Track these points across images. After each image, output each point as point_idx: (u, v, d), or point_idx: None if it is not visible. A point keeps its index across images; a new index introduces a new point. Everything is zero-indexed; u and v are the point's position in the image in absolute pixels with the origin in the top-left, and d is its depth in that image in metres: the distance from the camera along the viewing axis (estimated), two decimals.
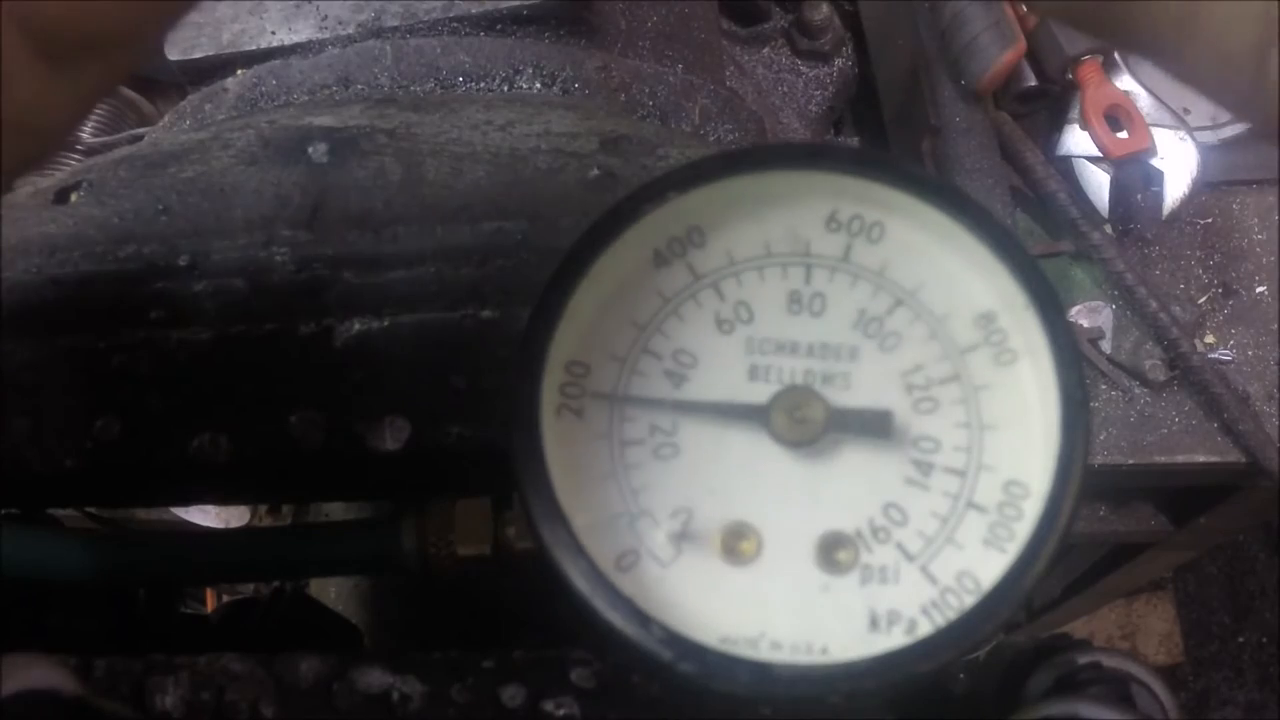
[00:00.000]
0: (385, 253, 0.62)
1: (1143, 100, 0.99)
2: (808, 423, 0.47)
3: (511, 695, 0.53)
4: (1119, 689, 0.53)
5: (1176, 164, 0.98)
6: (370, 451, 0.59)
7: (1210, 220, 1.01)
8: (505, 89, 0.76)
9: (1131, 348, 0.96)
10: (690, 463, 0.47)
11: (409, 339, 0.60)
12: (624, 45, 0.83)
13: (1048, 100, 1.02)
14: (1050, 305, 0.46)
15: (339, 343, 0.60)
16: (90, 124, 1.07)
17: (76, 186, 0.68)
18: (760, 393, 0.47)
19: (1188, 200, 0.98)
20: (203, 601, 1.57)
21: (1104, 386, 0.95)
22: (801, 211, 0.48)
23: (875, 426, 0.47)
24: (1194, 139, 0.99)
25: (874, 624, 0.45)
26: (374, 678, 0.53)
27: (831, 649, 0.45)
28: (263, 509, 1.43)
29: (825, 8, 1.07)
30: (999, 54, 0.96)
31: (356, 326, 0.60)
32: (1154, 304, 0.94)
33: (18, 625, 0.63)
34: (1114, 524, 1.08)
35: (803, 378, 0.47)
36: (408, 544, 0.58)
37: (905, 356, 0.48)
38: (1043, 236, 1.01)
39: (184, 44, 0.81)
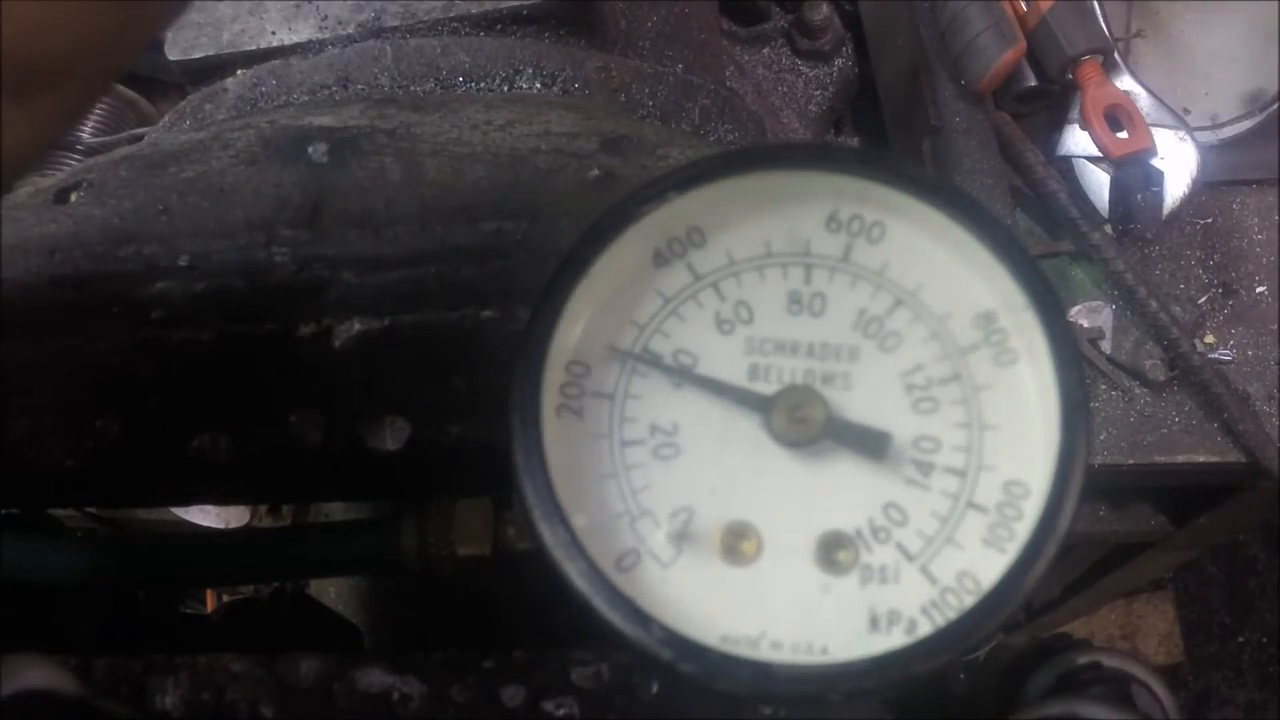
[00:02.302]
0: (385, 253, 0.62)
1: (1143, 100, 0.99)
2: (807, 422, 0.47)
3: (511, 695, 0.53)
4: (1119, 689, 0.53)
5: (1176, 164, 0.98)
6: (370, 451, 0.59)
7: (1210, 220, 1.01)
8: (505, 89, 0.76)
9: (1131, 348, 0.96)
10: (690, 463, 0.47)
11: (409, 339, 0.60)
12: (624, 45, 0.83)
13: (1048, 100, 1.02)
14: (1050, 305, 0.46)
15: (339, 343, 0.60)
16: (90, 124, 1.07)
17: (76, 186, 0.68)
18: (760, 392, 0.47)
19: (1188, 200, 0.98)
20: (203, 601, 1.57)
21: (1104, 386, 0.95)
22: (801, 211, 0.48)
23: (872, 446, 0.47)
24: (1194, 139, 0.99)
25: (874, 624, 0.45)
26: (374, 678, 0.53)
27: (831, 649, 0.45)
28: (263, 509, 1.43)
29: (825, 8, 1.07)
30: (999, 54, 0.96)
31: (356, 326, 0.60)
32: (1154, 304, 0.94)
33: (18, 625, 0.63)
34: (1114, 524, 1.08)
35: (803, 378, 0.47)
36: (408, 544, 0.58)
37: (905, 356, 0.48)
38: (1043, 236, 1.01)
39: (184, 44, 0.81)
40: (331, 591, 0.96)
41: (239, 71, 0.80)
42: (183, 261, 0.62)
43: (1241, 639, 1.88)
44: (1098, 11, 0.99)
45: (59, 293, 0.62)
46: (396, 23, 0.79)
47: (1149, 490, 1.07)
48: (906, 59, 1.01)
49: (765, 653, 0.44)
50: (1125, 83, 1.00)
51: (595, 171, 0.66)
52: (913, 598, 0.45)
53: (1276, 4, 1.01)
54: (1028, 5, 0.98)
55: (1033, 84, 1.00)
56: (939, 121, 0.98)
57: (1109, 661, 0.55)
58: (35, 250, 0.63)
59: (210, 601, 1.55)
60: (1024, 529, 0.45)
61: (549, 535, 0.44)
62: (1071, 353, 0.45)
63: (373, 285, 0.61)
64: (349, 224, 0.63)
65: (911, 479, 0.47)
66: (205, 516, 1.45)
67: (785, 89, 1.07)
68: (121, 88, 1.09)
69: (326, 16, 0.79)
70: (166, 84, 1.08)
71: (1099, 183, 1.00)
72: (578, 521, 0.44)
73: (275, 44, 0.80)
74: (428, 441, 0.59)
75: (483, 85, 0.76)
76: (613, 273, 0.47)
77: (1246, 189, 1.02)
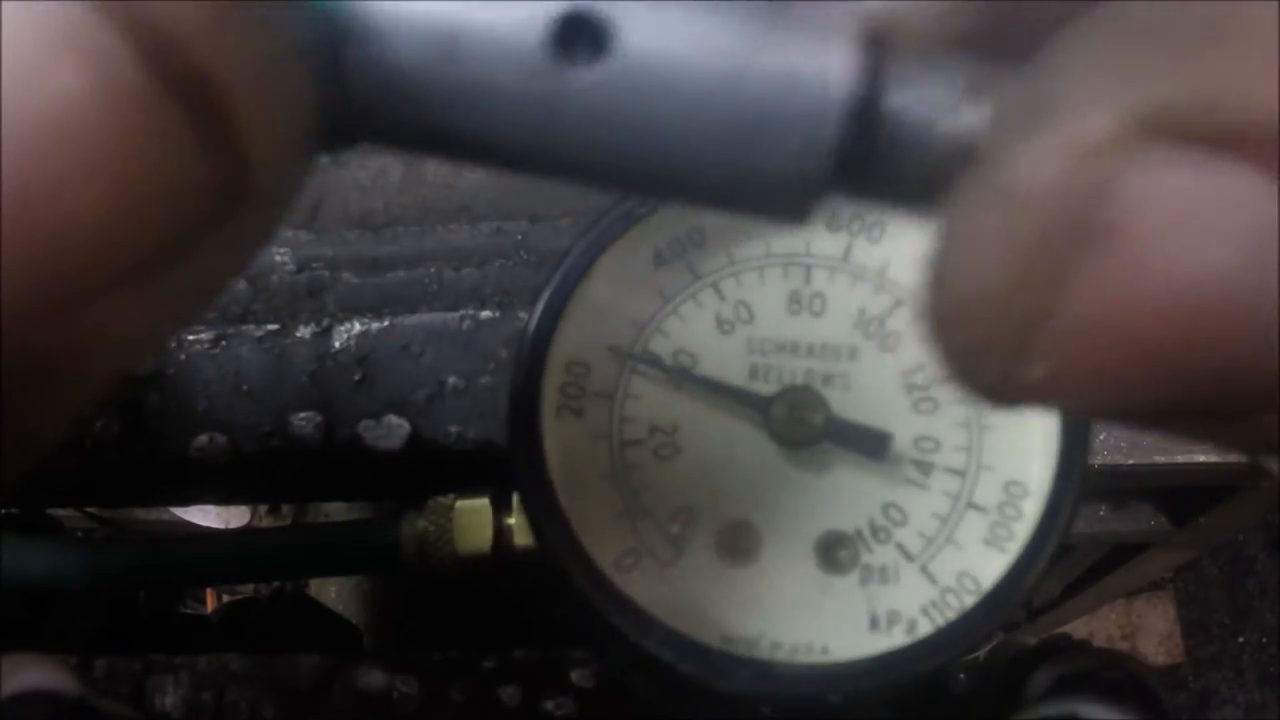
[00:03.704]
0: (385, 253, 0.62)
1: None
2: (807, 423, 0.47)
3: (511, 695, 0.53)
4: (1119, 689, 0.53)
5: None
6: (370, 451, 0.59)
7: None
8: None
9: None
10: (690, 463, 0.47)
11: (409, 339, 0.60)
12: None
13: None
14: None
15: (339, 343, 0.60)
16: None
17: None
18: (760, 393, 0.47)
19: None
20: (203, 601, 1.57)
21: None
22: None
23: (872, 446, 0.47)
24: None
25: (874, 624, 0.45)
26: (374, 678, 0.53)
27: (831, 649, 0.45)
28: (263, 509, 1.43)
29: None
30: None
31: (356, 326, 0.61)
32: None
33: (18, 625, 0.63)
34: (1114, 524, 1.07)
35: (803, 378, 0.47)
36: (408, 544, 0.58)
37: (905, 356, 0.48)
38: None
39: None
40: (331, 591, 0.96)
41: None
42: None
43: (1241, 639, 1.88)
44: None
45: None
46: None
47: (1149, 490, 1.06)
48: None
49: (765, 653, 0.44)
50: None
51: None
52: (913, 598, 0.45)
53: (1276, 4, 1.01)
54: None
55: None
56: None
57: (1109, 661, 0.55)
58: None
59: (210, 601, 1.55)
60: (1024, 529, 0.45)
61: (549, 535, 0.44)
62: None
63: (372, 285, 0.62)
64: (348, 224, 0.63)
65: (911, 479, 0.47)
66: (205, 516, 1.45)
67: None
68: None
69: None
70: None
71: None
72: (578, 521, 0.44)
73: None
74: (427, 441, 0.59)
75: None
76: (613, 273, 0.47)
77: None
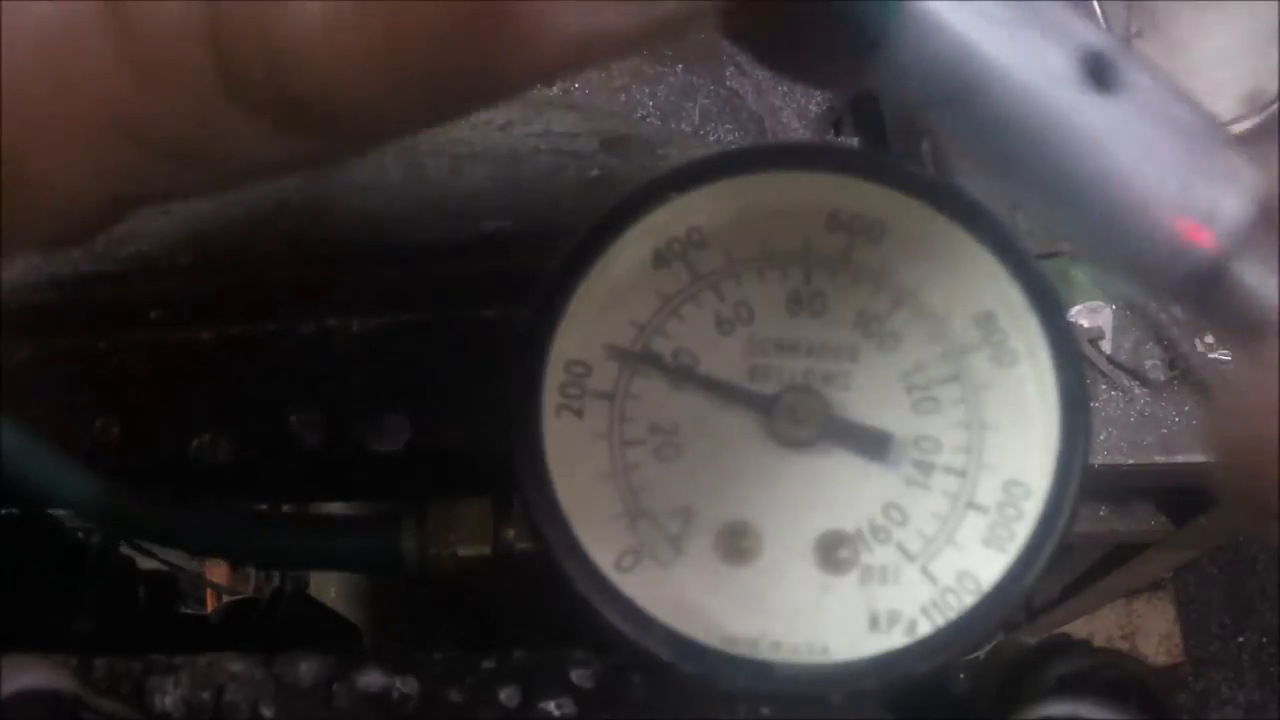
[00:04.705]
0: (385, 252, 0.62)
1: None
2: (808, 422, 0.47)
3: (511, 695, 0.53)
4: (1119, 689, 0.53)
5: None
6: (370, 451, 0.59)
7: None
8: None
9: (1131, 348, 0.96)
10: (690, 463, 0.47)
11: (409, 339, 0.60)
12: None
13: None
14: (1050, 305, 0.46)
15: (339, 343, 0.60)
16: None
17: None
18: (761, 392, 0.47)
19: None
20: (203, 602, 1.58)
21: (1104, 386, 0.95)
22: (801, 211, 0.48)
23: (872, 446, 0.47)
24: None
25: (874, 624, 0.45)
26: (374, 678, 0.53)
27: (831, 649, 0.45)
28: (263, 509, 1.43)
29: None
30: None
31: (356, 326, 0.60)
32: (1154, 304, 0.94)
33: (18, 625, 0.63)
34: (1114, 524, 1.07)
35: (803, 378, 0.47)
36: (408, 544, 0.58)
37: (905, 356, 0.48)
38: (1043, 236, 1.01)
39: None
40: (331, 591, 0.97)
41: None
42: (183, 261, 0.62)
43: (1241, 639, 1.88)
44: (1097, 11, 0.98)
45: (59, 293, 0.62)
46: None
47: (1149, 490, 1.06)
48: None
49: (765, 653, 0.44)
50: None
51: (595, 171, 0.66)
52: (913, 598, 0.45)
53: (1276, 4, 1.01)
54: None
55: None
56: None
57: (1109, 661, 0.55)
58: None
59: (210, 601, 1.55)
60: (1024, 529, 0.45)
61: (549, 535, 0.44)
62: (1071, 353, 0.45)
63: (373, 285, 0.61)
64: (349, 223, 0.63)
65: (911, 479, 0.47)
66: None
67: (785, 89, 1.07)
68: None
69: None
70: None
71: None
72: (578, 521, 0.44)
73: None
74: (427, 441, 0.59)
75: None
76: (613, 273, 0.47)
77: None
